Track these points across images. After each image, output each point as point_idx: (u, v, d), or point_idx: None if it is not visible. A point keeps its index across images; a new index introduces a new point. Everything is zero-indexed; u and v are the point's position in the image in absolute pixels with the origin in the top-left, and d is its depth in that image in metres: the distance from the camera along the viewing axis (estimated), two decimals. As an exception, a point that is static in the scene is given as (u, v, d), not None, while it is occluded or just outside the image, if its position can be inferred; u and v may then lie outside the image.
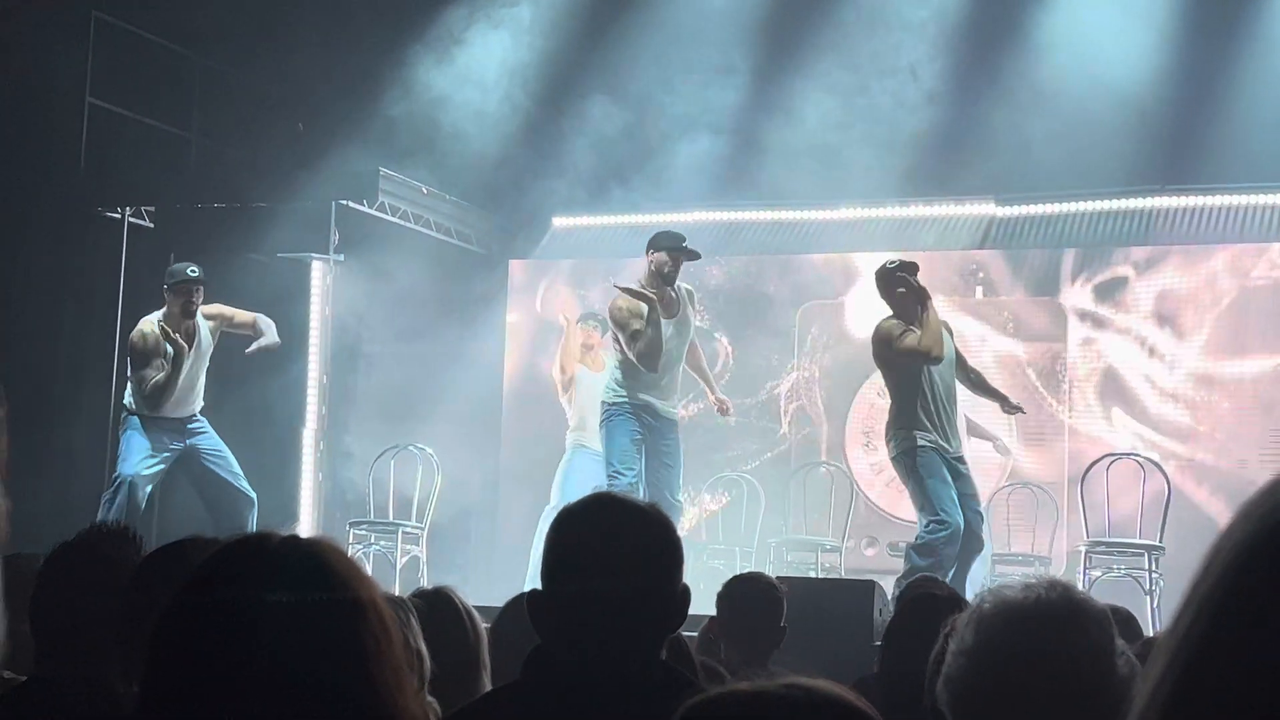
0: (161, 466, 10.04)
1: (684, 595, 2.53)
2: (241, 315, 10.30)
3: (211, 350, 10.20)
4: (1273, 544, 0.67)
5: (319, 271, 12.24)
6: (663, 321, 9.57)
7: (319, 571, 1.56)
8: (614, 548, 2.47)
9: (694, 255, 9.81)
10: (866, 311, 12.64)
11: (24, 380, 9.91)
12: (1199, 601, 0.68)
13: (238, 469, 10.15)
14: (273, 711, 1.48)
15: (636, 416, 9.61)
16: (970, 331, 12.30)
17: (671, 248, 9.70)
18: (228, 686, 1.49)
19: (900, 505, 12.44)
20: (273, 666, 1.50)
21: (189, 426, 10.12)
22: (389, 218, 12.29)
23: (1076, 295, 12.08)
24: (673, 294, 9.71)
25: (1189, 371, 11.64)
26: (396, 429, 11.77)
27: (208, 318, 10.15)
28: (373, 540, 10.85)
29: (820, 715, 1.52)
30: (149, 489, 10.02)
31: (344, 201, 11.85)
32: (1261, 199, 11.95)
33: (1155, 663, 0.68)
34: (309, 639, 1.51)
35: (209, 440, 10.17)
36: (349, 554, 1.63)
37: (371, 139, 11.96)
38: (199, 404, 10.19)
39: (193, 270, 10.03)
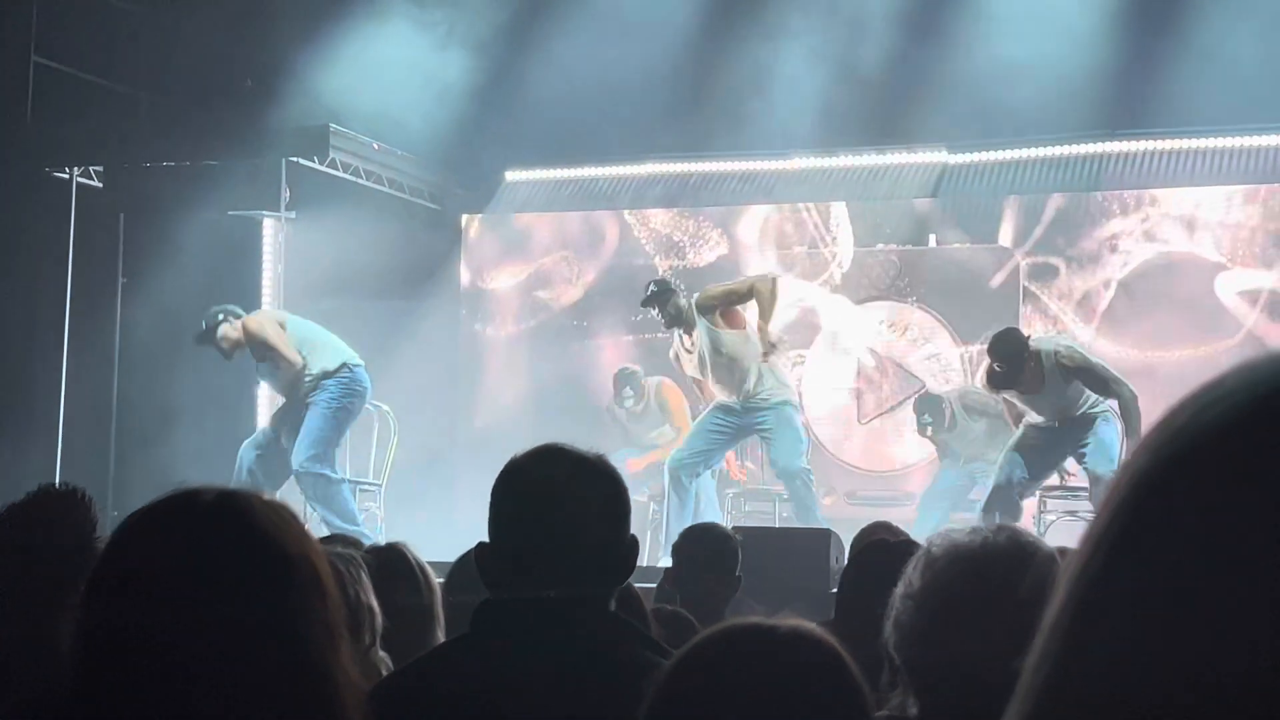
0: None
1: (632, 546, 2.52)
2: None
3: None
4: (1165, 477, 0.67)
5: (270, 229, 12.17)
6: (690, 351, 10.24)
7: (246, 528, 1.54)
8: (560, 499, 2.46)
9: (647, 300, 10.32)
10: (818, 262, 12.70)
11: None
12: (1097, 534, 0.67)
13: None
14: (199, 670, 1.47)
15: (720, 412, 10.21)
16: (919, 279, 12.38)
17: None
18: (152, 645, 1.48)
19: (858, 454, 12.52)
20: (197, 625, 1.48)
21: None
22: (341, 174, 12.22)
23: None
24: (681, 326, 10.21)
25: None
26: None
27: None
28: (330, 498, 10.79)
29: (811, 655, 1.60)
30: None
31: (295, 158, 11.76)
32: (1210, 143, 12.02)
33: (1056, 595, 0.68)
34: (234, 597, 1.50)
35: None
36: (285, 509, 1.60)
37: (322, 95, 11.86)
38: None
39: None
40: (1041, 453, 9.35)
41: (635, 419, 11.90)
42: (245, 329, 10.25)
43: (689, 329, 10.13)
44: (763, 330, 9.98)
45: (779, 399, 10.06)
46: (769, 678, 1.62)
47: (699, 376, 10.30)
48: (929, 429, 11.36)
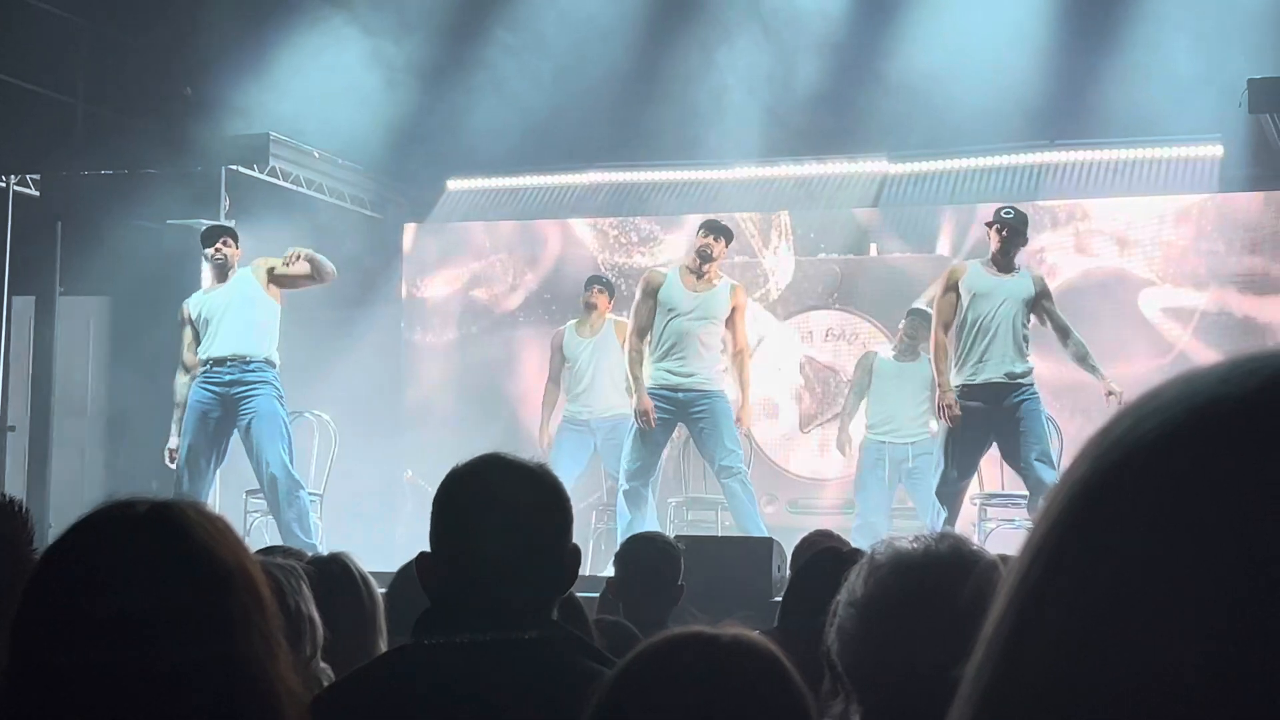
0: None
1: (574, 555, 2.52)
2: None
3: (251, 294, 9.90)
4: (1103, 487, 0.67)
5: (210, 238, 12.07)
6: (686, 289, 9.89)
7: (181, 539, 1.53)
8: (502, 507, 2.46)
9: (711, 229, 10.00)
10: (762, 271, 12.74)
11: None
12: (1035, 545, 0.68)
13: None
14: (137, 685, 1.46)
15: (656, 400, 9.87)
16: (863, 289, 12.42)
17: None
18: (89, 659, 1.46)
19: (799, 463, 12.55)
20: (132, 639, 1.47)
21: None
22: (281, 183, 12.15)
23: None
24: (698, 273, 9.94)
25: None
26: (293, 396, 11.65)
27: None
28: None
29: (753, 663, 1.61)
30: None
31: (234, 167, 11.70)
32: (1148, 153, 12.12)
33: (995, 605, 0.68)
34: (170, 610, 1.48)
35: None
36: (220, 520, 1.59)
37: (262, 104, 11.80)
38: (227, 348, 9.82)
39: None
40: (973, 437, 9.22)
41: (574, 378, 11.29)
42: (274, 265, 9.91)
43: (710, 275, 9.91)
44: (746, 407, 9.97)
45: (716, 387, 9.93)
46: (711, 686, 1.62)
47: (668, 309, 9.93)
48: (907, 326, 10.69)
